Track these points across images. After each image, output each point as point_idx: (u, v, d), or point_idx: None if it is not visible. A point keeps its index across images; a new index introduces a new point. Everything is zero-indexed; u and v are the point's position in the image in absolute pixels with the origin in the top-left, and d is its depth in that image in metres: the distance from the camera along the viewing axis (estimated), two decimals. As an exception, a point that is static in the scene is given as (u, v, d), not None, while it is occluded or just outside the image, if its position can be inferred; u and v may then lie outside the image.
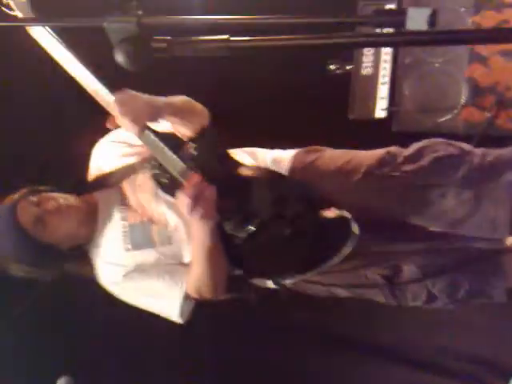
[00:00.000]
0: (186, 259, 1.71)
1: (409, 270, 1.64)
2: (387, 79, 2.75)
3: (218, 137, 1.65)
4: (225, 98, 2.80)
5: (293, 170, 1.74)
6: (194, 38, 0.96)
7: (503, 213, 1.61)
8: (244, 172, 1.63)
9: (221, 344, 2.81)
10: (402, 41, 1.14)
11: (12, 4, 1.41)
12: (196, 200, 1.49)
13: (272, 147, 2.84)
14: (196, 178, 1.52)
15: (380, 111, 2.76)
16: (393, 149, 1.72)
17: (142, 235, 1.70)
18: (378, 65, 2.75)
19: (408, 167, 1.64)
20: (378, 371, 2.78)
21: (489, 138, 2.59)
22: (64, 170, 1.86)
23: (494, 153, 1.67)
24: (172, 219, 1.69)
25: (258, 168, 1.68)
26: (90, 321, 2.54)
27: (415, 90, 2.71)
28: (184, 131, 1.62)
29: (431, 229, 1.63)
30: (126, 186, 1.75)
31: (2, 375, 2.49)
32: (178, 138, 1.63)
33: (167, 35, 1.00)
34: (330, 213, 1.54)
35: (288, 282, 1.69)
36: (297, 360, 2.84)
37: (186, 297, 1.67)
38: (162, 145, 1.54)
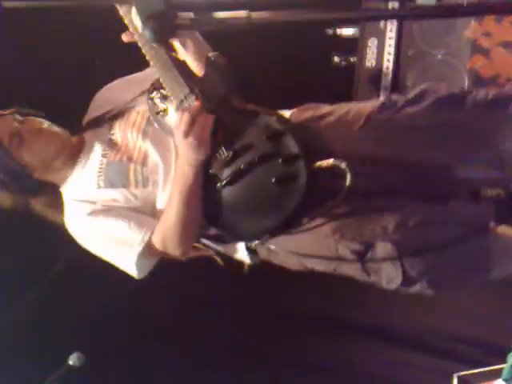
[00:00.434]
0: (159, 206, 1.67)
1: (383, 247, 1.48)
2: (390, 71, 2.80)
3: (227, 68, 1.62)
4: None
5: None
6: (215, 13, 1.02)
7: (510, 145, 1.54)
8: (246, 107, 1.62)
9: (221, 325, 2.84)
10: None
11: None
12: (192, 123, 1.49)
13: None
14: (197, 103, 1.52)
15: (383, 102, 2.82)
16: (393, 95, 1.69)
17: (116, 173, 1.66)
18: (382, 57, 2.80)
19: (410, 109, 1.59)
20: (367, 351, 2.81)
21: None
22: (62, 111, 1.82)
23: (495, 90, 1.63)
24: (153, 158, 1.66)
25: (262, 108, 1.64)
26: (102, 300, 2.57)
27: (418, 81, 2.76)
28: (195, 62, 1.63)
29: (434, 169, 1.54)
30: (116, 124, 1.74)
31: (14, 354, 2.55)
32: (188, 67, 1.62)
33: (190, 11, 1.05)
34: (325, 162, 1.47)
35: (261, 242, 1.61)
36: (284, 341, 2.87)
37: (148, 246, 1.62)
38: (172, 66, 1.53)
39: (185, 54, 1.63)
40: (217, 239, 1.70)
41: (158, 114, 1.62)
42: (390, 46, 2.79)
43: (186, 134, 1.51)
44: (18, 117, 1.70)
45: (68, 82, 2.79)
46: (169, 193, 1.62)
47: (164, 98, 1.59)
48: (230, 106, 1.58)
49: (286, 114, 1.73)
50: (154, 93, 1.61)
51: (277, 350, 2.86)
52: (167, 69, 1.53)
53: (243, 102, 1.62)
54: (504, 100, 1.59)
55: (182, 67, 1.56)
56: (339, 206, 1.50)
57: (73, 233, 1.72)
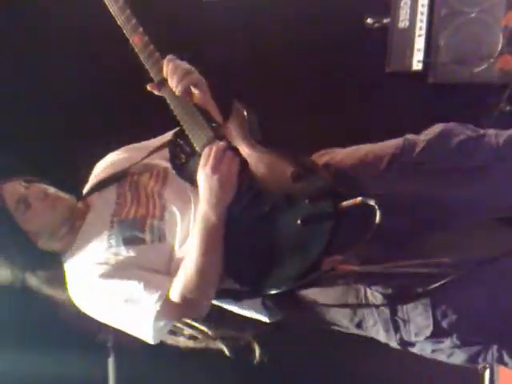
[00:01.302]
0: (177, 260, 1.58)
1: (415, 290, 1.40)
2: (424, 31, 2.81)
3: (250, 113, 1.54)
4: (263, 52, 2.91)
5: None
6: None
7: None
8: (270, 150, 1.52)
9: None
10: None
11: None
12: (220, 159, 1.46)
13: (310, 101, 2.97)
14: (223, 143, 1.49)
15: (417, 63, 2.83)
16: (409, 136, 1.65)
17: (129, 230, 1.58)
18: (415, 17, 2.81)
19: (433, 152, 1.59)
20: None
21: (524, 85, 2.65)
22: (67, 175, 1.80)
23: (505, 133, 1.64)
24: (170, 211, 1.61)
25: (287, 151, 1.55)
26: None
27: (451, 41, 2.76)
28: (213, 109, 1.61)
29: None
30: (126, 183, 1.69)
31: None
32: (211, 114, 1.59)
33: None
34: (353, 201, 1.40)
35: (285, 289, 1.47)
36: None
37: (165, 306, 1.52)
38: (196, 112, 1.52)
39: (205, 101, 1.58)
40: (233, 296, 1.63)
41: (179, 160, 1.58)
42: (422, 6, 2.79)
43: (215, 171, 1.45)
44: (24, 183, 1.64)
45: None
46: (187, 244, 1.56)
47: (187, 145, 1.56)
48: (254, 152, 1.51)
49: None
50: (177, 140, 1.59)
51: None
52: (191, 116, 1.51)
53: (267, 145, 1.54)
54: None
55: (205, 114, 1.54)
56: (370, 252, 1.46)
57: (78, 301, 1.62)
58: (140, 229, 1.58)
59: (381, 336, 1.48)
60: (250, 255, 1.49)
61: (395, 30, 2.84)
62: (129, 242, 1.57)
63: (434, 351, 1.44)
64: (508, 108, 2.74)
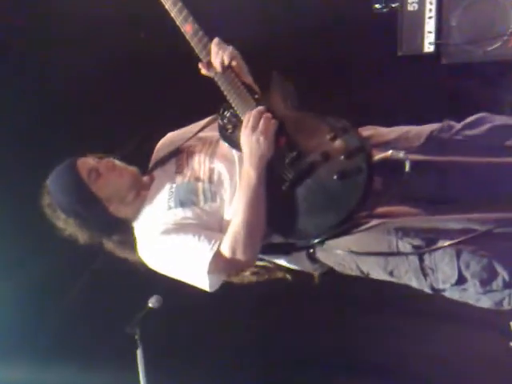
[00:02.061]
0: (227, 217, 1.74)
1: (443, 244, 1.50)
2: (434, 13, 2.79)
3: (289, 84, 1.69)
4: (274, 38, 2.92)
5: None
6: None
7: None
8: (308, 114, 1.67)
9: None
10: None
11: None
12: (258, 119, 1.63)
13: (325, 86, 2.97)
14: (261, 107, 1.66)
15: (428, 45, 2.82)
16: (449, 121, 1.75)
17: (185, 193, 1.76)
18: (424, -1, 2.80)
19: (470, 132, 1.70)
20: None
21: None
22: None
23: None
24: (219, 173, 1.77)
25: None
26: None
27: (462, 21, 2.74)
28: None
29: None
30: (184, 154, 1.87)
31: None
32: (253, 87, 1.73)
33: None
34: (384, 154, 1.55)
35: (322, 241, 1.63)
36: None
37: (217, 256, 1.66)
38: (239, 83, 1.68)
39: (245, 75, 1.73)
40: (280, 250, 1.77)
41: (227, 130, 1.74)
42: (431, -13, 2.78)
43: (253, 129, 1.62)
44: (96, 158, 1.86)
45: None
46: (235, 202, 1.71)
47: (233, 116, 1.71)
48: (293, 116, 1.67)
49: None
50: (225, 112, 1.74)
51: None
52: (235, 89, 1.68)
53: (305, 112, 1.69)
54: None
55: (247, 86, 1.70)
56: (403, 206, 1.58)
57: (145, 256, 1.80)
58: (194, 192, 1.76)
59: (413, 282, 1.59)
60: (293, 208, 1.62)
61: (404, 14, 2.84)
62: (184, 203, 1.75)
63: (461, 297, 1.55)
64: (524, 85, 2.72)
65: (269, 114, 1.65)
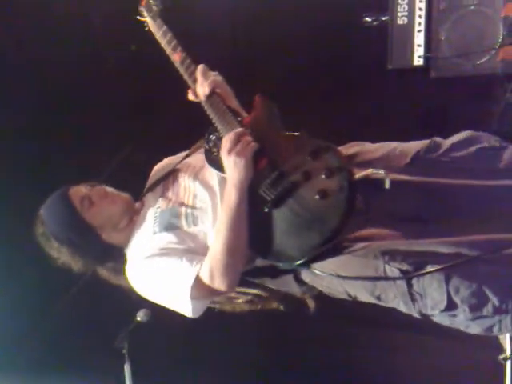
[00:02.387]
0: (210, 242, 1.73)
1: (431, 269, 1.47)
2: (423, 26, 2.81)
3: (275, 109, 1.71)
4: (264, 54, 2.94)
5: None
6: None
7: None
8: (291, 135, 1.68)
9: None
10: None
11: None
12: (236, 141, 1.63)
13: (314, 101, 2.99)
14: (239, 129, 1.67)
15: (418, 59, 2.83)
16: (435, 138, 1.72)
17: (169, 217, 1.77)
18: (413, 13, 2.82)
19: (456, 153, 1.67)
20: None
21: (527, 74, 2.65)
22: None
23: None
24: (201, 198, 1.77)
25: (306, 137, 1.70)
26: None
27: (452, 34, 2.76)
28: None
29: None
30: (170, 179, 1.89)
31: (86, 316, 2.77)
32: (237, 111, 1.77)
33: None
34: (365, 172, 1.54)
35: (307, 263, 1.60)
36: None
37: (198, 281, 1.64)
38: (224, 107, 1.71)
39: (230, 100, 1.77)
40: (267, 274, 1.75)
41: (212, 153, 1.74)
42: (420, 1, 2.80)
43: (229, 151, 1.63)
44: (88, 186, 1.87)
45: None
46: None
47: (218, 139, 1.72)
48: (276, 137, 1.68)
49: None
50: (210, 136, 1.76)
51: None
52: (221, 114, 1.71)
53: (288, 133, 1.70)
54: None
55: (232, 111, 1.73)
56: (390, 229, 1.55)
57: (133, 282, 1.80)
58: (177, 216, 1.77)
59: (402, 307, 1.56)
60: (275, 229, 1.60)
61: (394, 27, 2.85)
62: (169, 227, 1.76)
63: (451, 323, 1.51)
64: (514, 98, 2.73)
65: (248, 137, 1.65)
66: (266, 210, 1.61)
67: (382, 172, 1.53)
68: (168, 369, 2.92)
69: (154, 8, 1.82)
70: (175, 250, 1.72)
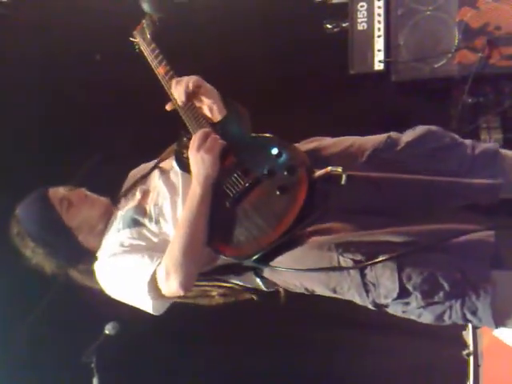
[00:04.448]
0: (172, 234, 1.74)
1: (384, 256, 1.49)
2: (382, 32, 2.88)
3: (243, 113, 1.79)
4: (229, 58, 2.96)
5: None
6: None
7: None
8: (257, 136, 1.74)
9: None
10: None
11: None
12: (204, 139, 1.69)
13: (277, 106, 3.02)
14: (206, 129, 1.72)
15: (378, 63, 2.89)
16: (392, 134, 1.77)
17: (132, 215, 1.79)
18: (372, 19, 2.88)
19: (411, 152, 1.72)
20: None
21: (484, 76, 2.73)
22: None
23: (481, 146, 1.75)
24: (163, 196, 1.79)
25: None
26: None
27: (410, 39, 2.83)
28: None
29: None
30: (139, 183, 1.91)
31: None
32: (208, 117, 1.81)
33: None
34: (324, 170, 1.60)
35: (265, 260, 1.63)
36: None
37: (155, 278, 1.65)
38: (197, 111, 1.77)
39: (209, 94, 1.79)
40: (230, 271, 1.77)
41: (182, 154, 1.79)
42: (379, 7, 2.87)
43: (198, 148, 1.67)
44: (67, 188, 1.89)
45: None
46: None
47: (189, 141, 1.76)
48: (243, 138, 1.74)
49: None
50: (183, 139, 1.82)
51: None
52: (194, 117, 1.77)
53: (255, 133, 1.76)
54: (489, 155, 1.72)
55: (204, 117, 1.78)
56: (345, 222, 1.58)
57: (99, 281, 1.80)
58: (140, 214, 1.79)
59: (356, 299, 1.59)
60: (235, 225, 1.64)
61: (355, 33, 2.91)
62: (131, 224, 1.78)
63: (404, 312, 1.54)
64: (470, 100, 2.81)
65: (214, 136, 1.70)
66: (228, 204, 1.64)
67: (339, 170, 1.58)
68: (137, 383, 2.88)
69: (147, 31, 1.90)
70: (137, 246, 1.73)
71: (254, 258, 1.62)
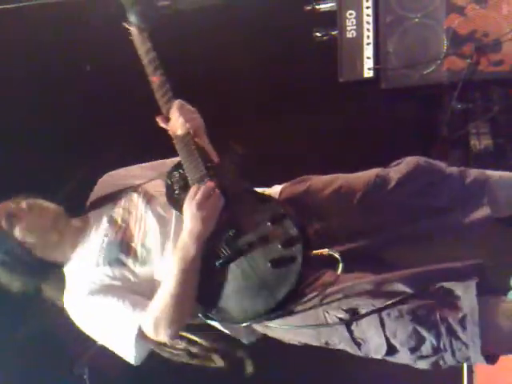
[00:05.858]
0: (156, 283, 1.69)
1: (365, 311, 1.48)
2: (371, 39, 2.89)
3: (240, 158, 1.71)
4: (220, 67, 2.96)
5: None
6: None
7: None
8: (253, 192, 1.70)
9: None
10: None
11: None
12: (207, 197, 1.60)
13: (267, 114, 3.02)
14: (212, 183, 1.64)
15: (368, 71, 2.90)
16: (380, 171, 1.75)
17: (116, 252, 1.71)
18: (361, 27, 2.89)
19: (402, 191, 1.69)
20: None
21: (472, 82, 2.75)
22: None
23: (472, 174, 1.73)
24: (152, 236, 1.72)
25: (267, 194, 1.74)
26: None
27: (399, 46, 2.84)
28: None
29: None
30: (121, 203, 1.81)
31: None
32: (207, 154, 1.73)
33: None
34: (321, 251, 1.55)
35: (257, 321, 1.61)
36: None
37: (142, 332, 1.62)
38: (194, 147, 1.67)
39: (202, 138, 1.72)
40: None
41: (173, 191, 1.71)
42: (367, 15, 2.88)
43: (200, 207, 1.59)
44: (14, 202, 1.80)
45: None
46: (166, 268, 1.66)
47: (182, 178, 1.70)
48: (239, 192, 1.67)
49: (276, 189, 1.82)
50: (174, 172, 1.73)
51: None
52: (189, 152, 1.67)
53: (252, 190, 1.71)
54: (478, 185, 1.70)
55: (202, 153, 1.69)
56: (326, 277, 1.57)
57: (72, 317, 1.75)
58: (125, 252, 1.71)
59: (350, 350, 1.57)
60: (222, 287, 1.60)
61: (344, 41, 2.92)
62: (113, 263, 1.70)
63: (399, 361, 1.52)
64: (459, 106, 2.83)
65: (218, 193, 1.62)
66: (218, 265, 1.59)
67: (337, 256, 1.51)
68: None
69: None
70: (118, 288, 1.67)
71: (240, 325, 1.61)
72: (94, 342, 2.32)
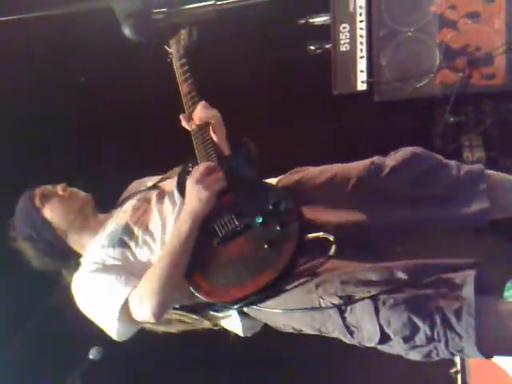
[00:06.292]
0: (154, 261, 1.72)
1: (361, 301, 1.47)
2: (365, 53, 2.91)
3: (253, 151, 1.79)
4: (214, 80, 2.97)
5: None
6: (185, 7, 1.13)
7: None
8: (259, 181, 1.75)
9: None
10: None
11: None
12: (207, 174, 1.67)
13: (261, 127, 3.03)
14: (213, 164, 1.72)
15: (361, 84, 2.92)
16: (376, 159, 1.77)
17: (120, 234, 1.79)
18: (355, 40, 2.92)
19: (396, 178, 1.71)
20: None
21: (465, 96, 2.77)
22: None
23: (465, 167, 1.76)
24: (154, 223, 1.78)
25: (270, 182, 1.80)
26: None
27: (392, 59, 2.87)
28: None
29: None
30: (136, 197, 1.92)
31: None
32: (220, 148, 1.82)
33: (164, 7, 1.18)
34: (316, 234, 1.55)
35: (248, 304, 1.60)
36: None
37: (127, 304, 1.64)
38: (210, 141, 1.79)
39: (220, 135, 1.82)
40: (209, 309, 1.76)
41: (184, 179, 1.77)
42: (361, 28, 2.90)
43: (198, 181, 1.66)
44: (51, 186, 1.94)
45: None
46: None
47: (193, 167, 1.76)
48: (245, 180, 1.73)
49: (274, 180, 1.86)
50: (189, 164, 1.82)
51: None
52: (205, 146, 1.78)
53: (259, 179, 1.76)
54: (474, 176, 1.72)
55: (216, 147, 1.79)
56: (323, 264, 1.54)
57: (74, 294, 1.79)
58: (128, 234, 1.78)
59: (343, 339, 1.56)
60: (218, 266, 1.60)
61: (337, 54, 2.94)
62: (116, 244, 1.77)
63: (391, 351, 1.51)
64: (452, 119, 2.85)
65: (219, 173, 1.68)
66: (215, 244, 1.61)
67: (331, 239, 1.51)
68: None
69: (182, 42, 1.94)
70: (117, 266, 1.73)
71: (232, 308, 1.62)
72: (87, 354, 2.34)
